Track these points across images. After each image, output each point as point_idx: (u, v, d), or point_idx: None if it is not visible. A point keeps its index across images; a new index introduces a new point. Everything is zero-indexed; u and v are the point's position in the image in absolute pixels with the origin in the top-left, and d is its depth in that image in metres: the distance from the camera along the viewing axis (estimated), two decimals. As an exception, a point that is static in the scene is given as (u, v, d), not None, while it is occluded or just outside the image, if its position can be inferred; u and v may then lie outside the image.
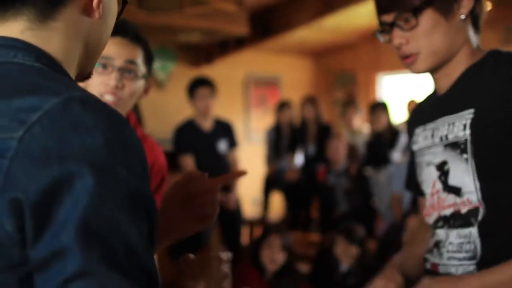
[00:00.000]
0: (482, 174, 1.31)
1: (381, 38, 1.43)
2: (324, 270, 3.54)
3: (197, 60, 6.68)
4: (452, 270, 1.37)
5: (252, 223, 5.73)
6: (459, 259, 1.35)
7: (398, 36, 1.36)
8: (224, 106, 6.58)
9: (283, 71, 7.98)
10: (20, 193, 0.61)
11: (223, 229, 4.62)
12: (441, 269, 1.39)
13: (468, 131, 1.33)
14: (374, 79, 8.11)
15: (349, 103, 6.07)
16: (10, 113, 0.64)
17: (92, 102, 0.68)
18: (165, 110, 6.17)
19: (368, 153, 5.42)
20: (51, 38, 0.78)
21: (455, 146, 1.36)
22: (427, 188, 1.45)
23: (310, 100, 5.99)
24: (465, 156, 1.33)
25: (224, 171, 4.61)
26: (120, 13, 0.90)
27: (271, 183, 6.12)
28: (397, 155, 5.27)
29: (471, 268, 1.33)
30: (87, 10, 0.81)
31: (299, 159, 5.99)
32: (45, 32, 0.77)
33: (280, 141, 6.03)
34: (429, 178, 1.44)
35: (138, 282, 0.63)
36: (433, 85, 1.50)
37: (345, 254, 3.34)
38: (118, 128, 0.67)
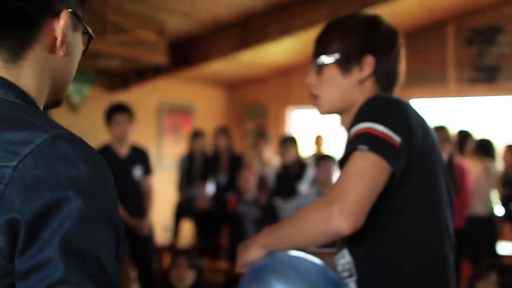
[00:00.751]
0: None
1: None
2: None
3: (113, 85, 6.64)
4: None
5: (162, 250, 5.75)
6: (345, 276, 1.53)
7: (311, 76, 1.61)
8: (138, 132, 6.59)
9: (197, 100, 8.08)
10: (17, 214, 0.71)
11: (135, 254, 4.61)
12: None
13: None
14: (284, 112, 8.38)
15: (260, 135, 6.22)
16: (4, 144, 0.75)
17: (75, 139, 0.80)
18: (79, 133, 6.04)
19: (277, 184, 5.57)
20: (23, 76, 0.88)
21: None
22: None
23: (223, 131, 6.10)
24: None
25: (138, 198, 4.65)
26: (86, 47, 1.01)
27: (182, 210, 6.12)
28: (304, 187, 5.48)
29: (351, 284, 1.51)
30: (53, 49, 0.91)
31: (210, 187, 6.05)
32: (18, 70, 0.88)
33: (193, 169, 6.07)
34: None
35: (103, 284, 0.74)
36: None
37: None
38: (97, 162, 0.79)
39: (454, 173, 4.51)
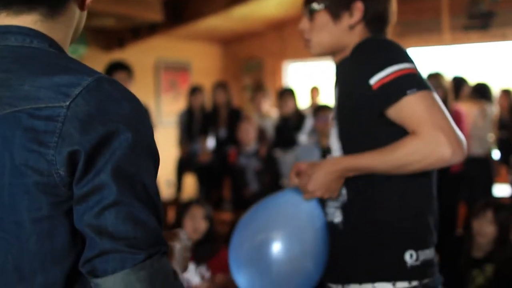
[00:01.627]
0: (341, 135, 1.61)
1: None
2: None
3: (109, 44, 6.67)
4: (329, 217, 1.65)
5: (166, 204, 5.86)
6: (333, 206, 1.63)
7: (303, 22, 1.69)
8: (136, 91, 6.61)
9: (194, 57, 8.10)
10: (77, 146, 0.81)
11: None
12: (327, 216, 1.66)
13: (336, 103, 1.67)
14: (280, 66, 8.41)
15: (258, 89, 6.26)
16: (53, 87, 0.83)
17: (115, 82, 0.88)
18: (78, 93, 6.15)
19: (277, 135, 5.64)
20: (56, 29, 0.96)
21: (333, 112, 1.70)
22: (331, 141, 1.70)
23: (221, 85, 6.13)
24: (335, 121, 1.65)
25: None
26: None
27: (184, 165, 6.22)
28: (303, 137, 5.54)
29: (337, 212, 1.62)
30: (82, 5, 1.00)
31: (211, 142, 6.14)
32: (53, 24, 0.95)
33: (192, 125, 6.13)
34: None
35: (153, 212, 0.85)
36: None
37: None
38: (136, 100, 0.89)
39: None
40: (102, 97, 0.84)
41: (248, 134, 5.27)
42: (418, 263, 1.54)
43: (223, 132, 5.98)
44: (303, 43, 1.71)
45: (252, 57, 8.57)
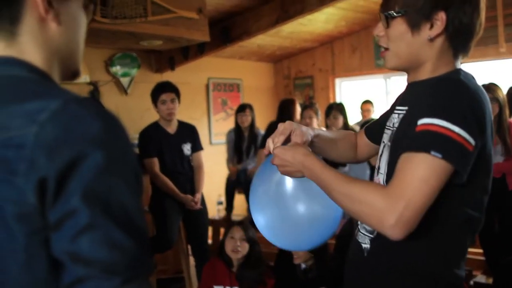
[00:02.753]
0: (391, 161, 1.47)
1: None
2: (285, 268, 3.64)
3: (160, 66, 6.77)
4: (359, 238, 1.60)
5: (218, 224, 5.89)
6: (366, 230, 1.57)
7: (379, 27, 1.54)
8: (188, 110, 6.73)
9: (244, 76, 8.14)
10: (44, 173, 0.79)
11: (189, 229, 4.75)
12: (358, 236, 1.61)
13: (397, 124, 1.53)
14: (331, 82, 8.34)
15: (308, 107, 6.23)
16: (24, 114, 0.82)
17: (84, 101, 0.86)
18: (129, 115, 6.27)
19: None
20: (26, 51, 0.95)
21: (390, 133, 1.57)
22: (380, 162, 1.60)
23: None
24: (389, 143, 1.54)
25: (189, 174, 4.75)
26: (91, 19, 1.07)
27: (233, 184, 6.21)
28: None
29: (366, 239, 1.55)
30: (43, 20, 0.96)
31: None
32: (19, 47, 0.95)
33: (241, 143, 6.13)
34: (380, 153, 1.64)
35: (131, 233, 0.82)
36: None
37: (302, 254, 3.22)
38: (107, 117, 0.86)
39: (505, 134, 4.40)
40: (69, 119, 0.82)
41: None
42: None
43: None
44: (382, 52, 1.57)
45: (302, 74, 8.54)
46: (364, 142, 1.88)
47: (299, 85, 8.56)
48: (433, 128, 1.30)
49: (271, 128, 6.07)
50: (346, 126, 5.68)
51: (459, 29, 1.45)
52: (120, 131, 0.87)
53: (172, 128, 4.72)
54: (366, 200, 1.32)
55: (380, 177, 1.55)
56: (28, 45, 0.95)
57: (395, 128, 1.54)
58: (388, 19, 1.49)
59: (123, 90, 6.40)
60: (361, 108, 7.13)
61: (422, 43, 1.47)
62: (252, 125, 6.15)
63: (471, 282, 3.98)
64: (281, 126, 1.66)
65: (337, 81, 8.35)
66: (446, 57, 1.50)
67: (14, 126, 0.82)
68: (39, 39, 0.97)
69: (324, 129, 5.92)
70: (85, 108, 0.84)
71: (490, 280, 3.97)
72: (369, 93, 7.94)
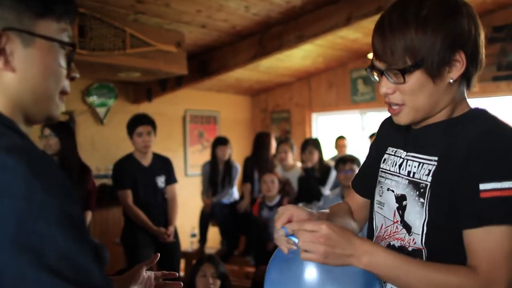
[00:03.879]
0: (431, 221, 1.31)
1: (372, 77, 1.42)
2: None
3: (137, 97, 6.78)
4: None
5: (191, 256, 5.85)
6: None
7: (385, 85, 1.35)
8: (163, 142, 6.72)
9: (221, 108, 8.17)
10: None
11: (162, 261, 4.70)
12: None
13: (430, 178, 1.34)
14: (308, 117, 8.42)
15: (283, 141, 6.26)
16: None
17: (13, 147, 0.84)
18: (105, 145, 6.25)
19: (300, 188, 5.60)
20: None
21: (416, 186, 1.36)
22: (388, 213, 1.46)
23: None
24: (421, 200, 1.34)
25: (162, 206, 4.74)
26: (71, 58, 1.05)
27: (207, 217, 6.18)
28: (327, 191, 5.50)
29: None
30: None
31: (235, 193, 6.16)
32: None
33: (216, 175, 6.12)
34: (390, 204, 1.45)
35: (72, 279, 0.78)
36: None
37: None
38: (36, 164, 0.84)
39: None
40: None
41: (272, 186, 5.24)
42: None
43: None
44: (388, 110, 1.41)
45: (279, 108, 8.62)
46: (358, 205, 1.68)
47: (276, 118, 8.62)
48: (506, 193, 1.19)
49: (247, 164, 6.10)
50: (321, 161, 5.72)
51: (474, 65, 1.34)
52: (46, 176, 0.84)
53: (146, 161, 4.72)
54: (456, 277, 1.21)
55: (416, 238, 1.36)
56: None
57: (427, 182, 1.35)
58: (405, 74, 1.30)
59: (99, 120, 6.39)
60: (336, 143, 7.20)
61: (444, 89, 1.33)
62: (228, 158, 6.16)
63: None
64: (280, 209, 1.43)
65: (314, 115, 8.43)
66: (461, 95, 1.39)
67: None
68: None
69: (299, 164, 6.00)
70: (12, 156, 0.82)
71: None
72: (345, 127, 8.03)
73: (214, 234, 6.60)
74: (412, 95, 1.33)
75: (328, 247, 1.24)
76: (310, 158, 5.68)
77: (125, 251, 4.68)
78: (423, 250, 1.33)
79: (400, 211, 1.41)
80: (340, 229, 1.26)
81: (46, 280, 0.77)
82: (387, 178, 1.48)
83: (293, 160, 6.05)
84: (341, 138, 7.20)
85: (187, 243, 6.16)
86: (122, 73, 5.32)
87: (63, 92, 1.06)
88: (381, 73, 1.36)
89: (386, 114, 1.59)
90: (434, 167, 1.34)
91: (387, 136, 1.58)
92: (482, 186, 1.21)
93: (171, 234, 4.65)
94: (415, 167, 1.40)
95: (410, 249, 1.36)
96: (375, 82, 1.43)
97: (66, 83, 1.06)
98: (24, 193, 0.79)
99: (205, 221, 6.21)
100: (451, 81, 1.31)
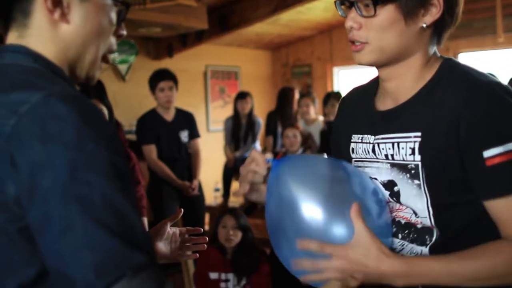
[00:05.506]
0: (435, 201, 1.25)
1: (340, 11, 1.34)
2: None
3: (158, 53, 6.77)
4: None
5: (214, 211, 5.92)
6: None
7: (352, 18, 1.27)
8: (185, 98, 6.74)
9: (242, 64, 8.13)
10: (19, 166, 0.80)
11: (186, 215, 4.78)
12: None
13: (418, 157, 1.25)
14: (329, 71, 8.34)
15: (305, 95, 6.25)
16: (8, 105, 0.84)
17: (66, 96, 0.85)
18: (127, 101, 6.28)
19: (322, 141, 5.60)
20: (34, 44, 0.97)
21: (404, 169, 1.28)
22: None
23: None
24: (416, 181, 1.26)
25: (186, 160, 4.80)
26: (123, 18, 1.07)
27: (230, 171, 6.23)
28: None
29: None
30: (52, 18, 0.97)
31: (257, 148, 6.18)
32: (28, 39, 0.97)
33: (238, 130, 6.16)
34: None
35: (115, 230, 0.79)
36: (381, 86, 1.42)
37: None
38: (87, 114, 0.85)
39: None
40: (46, 115, 0.81)
41: (294, 140, 5.26)
42: None
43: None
44: (351, 47, 1.31)
45: (300, 62, 8.55)
46: None
47: (297, 73, 8.56)
48: (507, 157, 1.15)
49: (271, 118, 6.12)
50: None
51: (450, 15, 1.27)
52: (100, 129, 0.85)
53: (169, 116, 4.77)
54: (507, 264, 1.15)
55: (423, 221, 1.28)
56: (36, 39, 0.97)
57: (417, 162, 1.26)
58: (377, 6, 1.22)
59: (121, 77, 6.41)
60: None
61: (414, 33, 1.25)
62: (250, 112, 6.18)
63: None
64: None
65: (335, 69, 8.35)
66: (431, 49, 1.32)
67: None
68: (47, 35, 0.98)
69: (321, 117, 6.00)
70: (65, 104, 0.83)
71: None
72: (366, 81, 7.94)
73: (237, 188, 6.63)
74: (380, 32, 1.24)
75: (355, 274, 1.15)
76: (332, 112, 5.67)
77: (151, 204, 4.76)
78: (434, 229, 1.27)
79: (394, 198, 1.32)
80: (364, 254, 1.14)
81: (93, 231, 0.78)
82: (366, 167, 1.38)
83: (315, 114, 6.06)
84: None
85: (211, 197, 6.23)
86: (143, 28, 5.32)
87: (109, 51, 1.07)
88: (350, 5, 1.27)
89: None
90: (418, 143, 1.25)
91: (348, 123, 1.48)
92: (486, 154, 1.16)
93: (195, 188, 4.73)
94: (389, 149, 1.31)
95: (419, 226, 1.30)
96: (341, 16, 1.34)
97: (113, 41, 1.08)
98: (76, 142, 0.80)
99: (228, 175, 6.27)
100: (424, 25, 1.24)
